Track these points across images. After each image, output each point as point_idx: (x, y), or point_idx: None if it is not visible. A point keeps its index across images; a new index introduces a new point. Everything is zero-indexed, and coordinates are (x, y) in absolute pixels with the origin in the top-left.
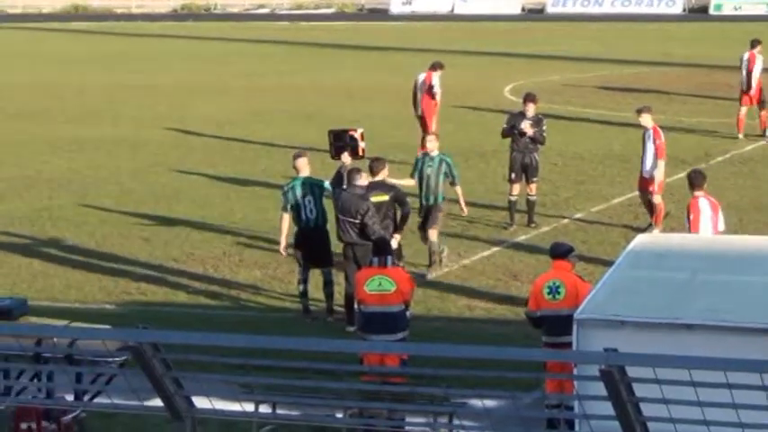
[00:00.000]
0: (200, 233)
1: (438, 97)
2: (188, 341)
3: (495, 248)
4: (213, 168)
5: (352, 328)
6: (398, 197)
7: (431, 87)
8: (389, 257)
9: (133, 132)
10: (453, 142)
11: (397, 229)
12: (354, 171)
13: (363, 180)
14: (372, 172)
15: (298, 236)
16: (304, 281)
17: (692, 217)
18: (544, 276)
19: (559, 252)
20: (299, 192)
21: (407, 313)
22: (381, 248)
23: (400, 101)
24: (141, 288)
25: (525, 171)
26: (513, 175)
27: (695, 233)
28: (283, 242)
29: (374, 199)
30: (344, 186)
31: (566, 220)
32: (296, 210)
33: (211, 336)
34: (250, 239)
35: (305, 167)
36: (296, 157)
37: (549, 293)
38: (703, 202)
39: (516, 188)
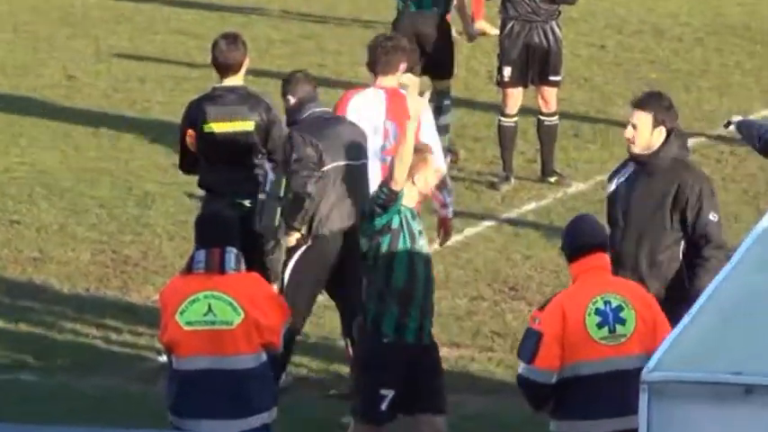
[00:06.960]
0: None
1: None
2: None
3: (472, 229)
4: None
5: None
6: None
7: None
8: (233, 252)
9: None
10: None
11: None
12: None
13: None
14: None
15: None
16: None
17: None
18: (583, 290)
19: (597, 240)
20: None
21: (281, 377)
22: (212, 229)
23: None
24: None
25: (535, 63)
26: (505, 72)
27: None
28: None
29: (226, 126)
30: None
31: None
32: None
33: None
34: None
35: None
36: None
37: (600, 326)
38: None
39: (514, 99)
